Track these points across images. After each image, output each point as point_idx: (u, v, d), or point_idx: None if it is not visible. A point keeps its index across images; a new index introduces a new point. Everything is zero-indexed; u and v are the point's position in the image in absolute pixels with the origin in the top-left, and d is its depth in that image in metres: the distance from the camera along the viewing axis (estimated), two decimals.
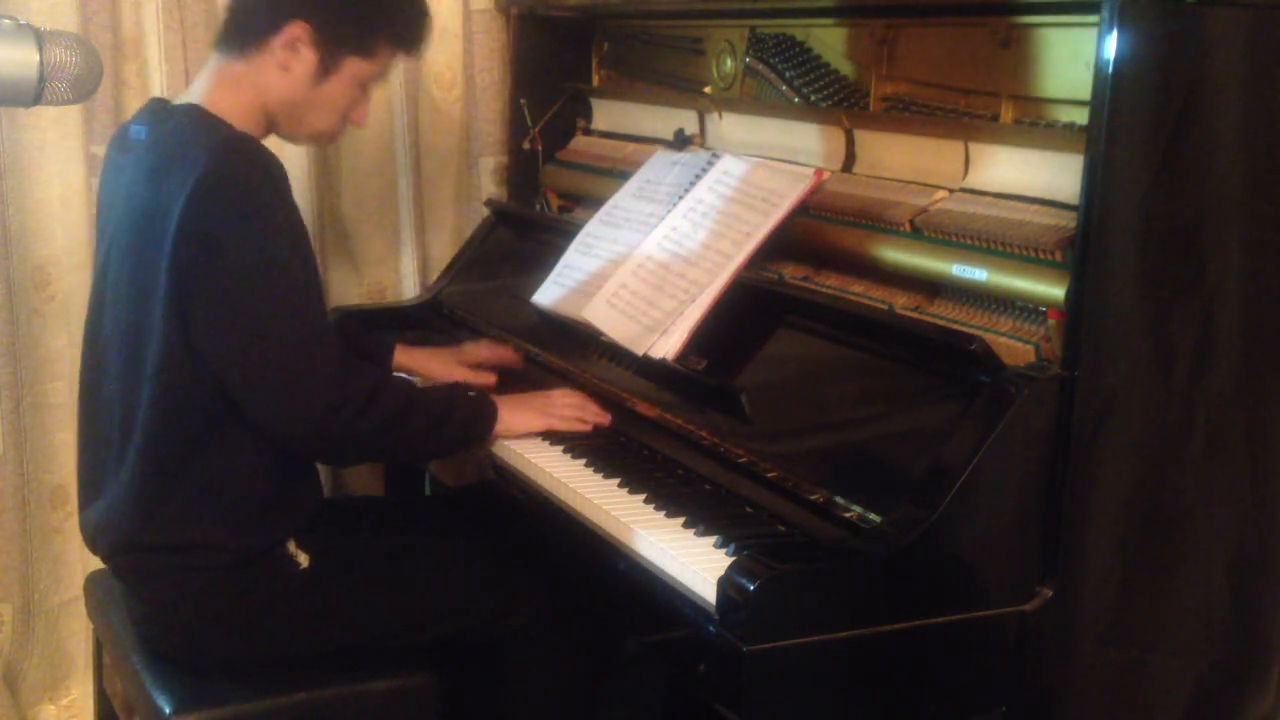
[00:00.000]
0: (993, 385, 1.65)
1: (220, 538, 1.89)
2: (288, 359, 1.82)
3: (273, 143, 2.69)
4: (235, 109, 1.92)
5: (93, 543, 2.02)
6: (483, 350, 2.42)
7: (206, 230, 1.78)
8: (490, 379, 2.33)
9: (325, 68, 1.95)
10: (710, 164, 2.26)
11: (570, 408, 2.11)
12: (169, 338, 1.83)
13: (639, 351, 2.08)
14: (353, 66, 1.97)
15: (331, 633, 1.97)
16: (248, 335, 1.81)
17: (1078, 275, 1.63)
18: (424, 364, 2.39)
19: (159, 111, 1.97)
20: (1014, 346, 1.77)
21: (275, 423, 1.85)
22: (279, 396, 1.83)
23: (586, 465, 1.99)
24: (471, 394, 2.10)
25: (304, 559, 1.96)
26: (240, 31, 1.94)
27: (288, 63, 1.92)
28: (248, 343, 1.81)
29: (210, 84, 1.96)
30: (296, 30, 1.91)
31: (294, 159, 2.72)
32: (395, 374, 2.35)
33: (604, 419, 2.11)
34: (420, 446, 2.05)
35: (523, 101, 2.89)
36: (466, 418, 2.02)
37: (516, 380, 2.37)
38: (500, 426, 2.05)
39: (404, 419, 1.91)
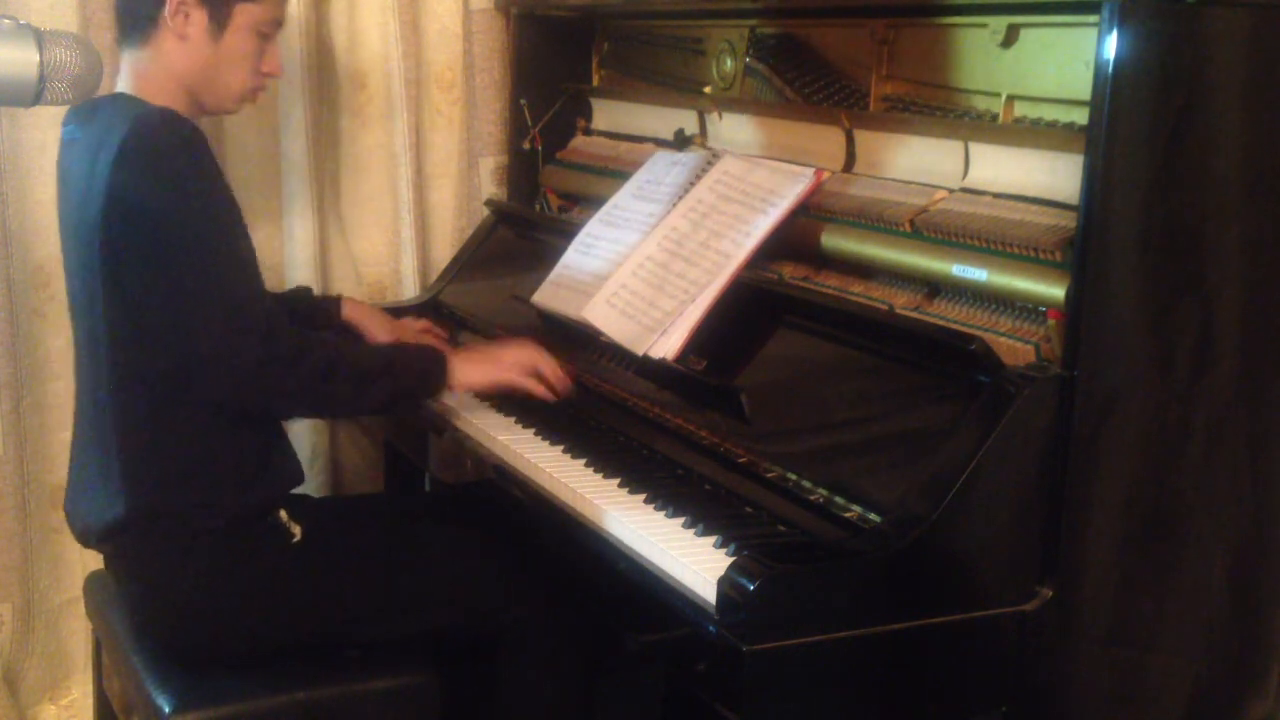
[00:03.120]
0: (993, 385, 1.65)
1: (205, 500, 1.91)
2: (209, 318, 1.84)
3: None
4: (156, 93, 1.97)
5: (84, 532, 2.04)
6: (422, 335, 2.48)
7: (126, 195, 1.82)
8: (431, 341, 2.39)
9: (218, 23, 1.98)
10: (710, 164, 2.26)
11: (527, 356, 2.11)
12: (112, 310, 1.87)
13: (639, 351, 2.08)
14: (244, 14, 2.00)
15: (327, 613, 1.97)
16: (170, 295, 1.84)
17: (1078, 275, 1.63)
18: (368, 321, 2.44)
19: (85, 109, 2.00)
20: (1014, 346, 1.77)
21: (205, 379, 1.87)
22: (204, 355, 1.85)
23: (586, 465, 1.99)
24: (417, 348, 2.10)
25: (297, 530, 1.99)
26: (131, 20, 1.98)
27: (182, 30, 1.96)
28: (171, 303, 1.84)
29: (126, 78, 2.00)
30: None
31: (295, 159, 2.73)
32: (330, 335, 2.39)
33: (563, 379, 2.12)
34: (360, 401, 2.02)
35: (523, 101, 2.89)
36: (412, 372, 2.03)
37: None
38: (453, 379, 2.05)
39: (334, 374, 1.93)
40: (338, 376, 1.93)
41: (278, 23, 2.08)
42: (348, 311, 2.45)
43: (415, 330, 2.50)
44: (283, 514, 1.99)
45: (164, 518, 1.92)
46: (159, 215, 1.83)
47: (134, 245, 1.84)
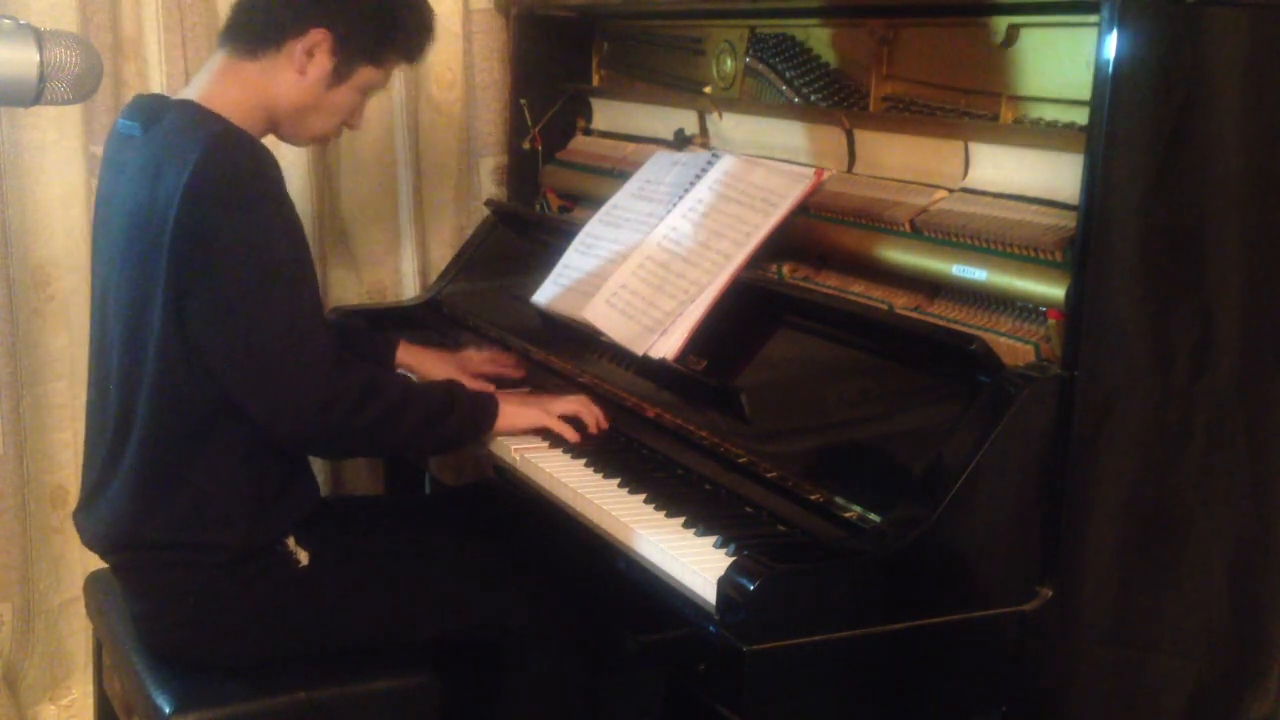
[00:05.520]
0: (993, 385, 1.65)
1: (218, 536, 1.89)
2: (280, 353, 1.82)
3: (271, 142, 2.70)
4: (237, 106, 1.93)
5: (92, 541, 2.02)
6: (484, 362, 2.42)
7: (200, 226, 1.79)
8: (489, 388, 2.29)
9: (339, 75, 1.97)
10: (710, 164, 2.26)
11: (573, 407, 2.11)
12: (167, 336, 1.83)
13: (639, 351, 2.08)
14: (363, 74, 2.00)
15: (331, 632, 1.97)
16: (241, 330, 1.81)
17: (1078, 275, 1.63)
18: (425, 364, 2.39)
19: (152, 108, 1.97)
20: (1014, 346, 1.77)
21: (270, 418, 1.85)
22: (273, 391, 1.83)
23: (587, 465, 1.99)
24: (471, 390, 2.10)
25: (303, 556, 1.97)
26: (255, 32, 1.95)
27: (304, 67, 1.94)
28: (240, 338, 1.82)
29: (213, 80, 1.96)
30: (318, 37, 1.93)
31: (294, 159, 2.73)
32: (393, 372, 2.35)
33: (604, 423, 2.11)
34: (417, 442, 2.06)
35: (523, 101, 2.89)
36: (466, 413, 2.03)
37: (517, 385, 2.38)
38: (501, 422, 2.06)
39: (399, 415, 1.92)
40: (402, 422, 1.92)
41: (383, 86, 2.09)
42: (402, 357, 2.40)
43: (480, 361, 2.42)
44: (290, 541, 1.97)
45: (173, 548, 1.90)
46: (233, 245, 1.79)
47: (204, 274, 1.80)
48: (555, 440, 2.08)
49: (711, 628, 1.53)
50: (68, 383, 2.56)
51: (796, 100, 2.30)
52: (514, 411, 2.07)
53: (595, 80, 2.92)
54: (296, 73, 1.94)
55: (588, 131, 2.91)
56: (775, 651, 1.50)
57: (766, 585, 1.48)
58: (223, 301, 1.81)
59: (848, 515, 1.69)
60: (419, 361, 2.40)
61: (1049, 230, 1.77)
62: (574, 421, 2.09)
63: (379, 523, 2.24)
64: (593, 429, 2.09)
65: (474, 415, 2.04)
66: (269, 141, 1.98)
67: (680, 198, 2.24)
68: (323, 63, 1.95)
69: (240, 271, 1.80)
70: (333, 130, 2.06)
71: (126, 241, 1.89)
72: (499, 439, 2.09)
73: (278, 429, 1.87)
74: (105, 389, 1.98)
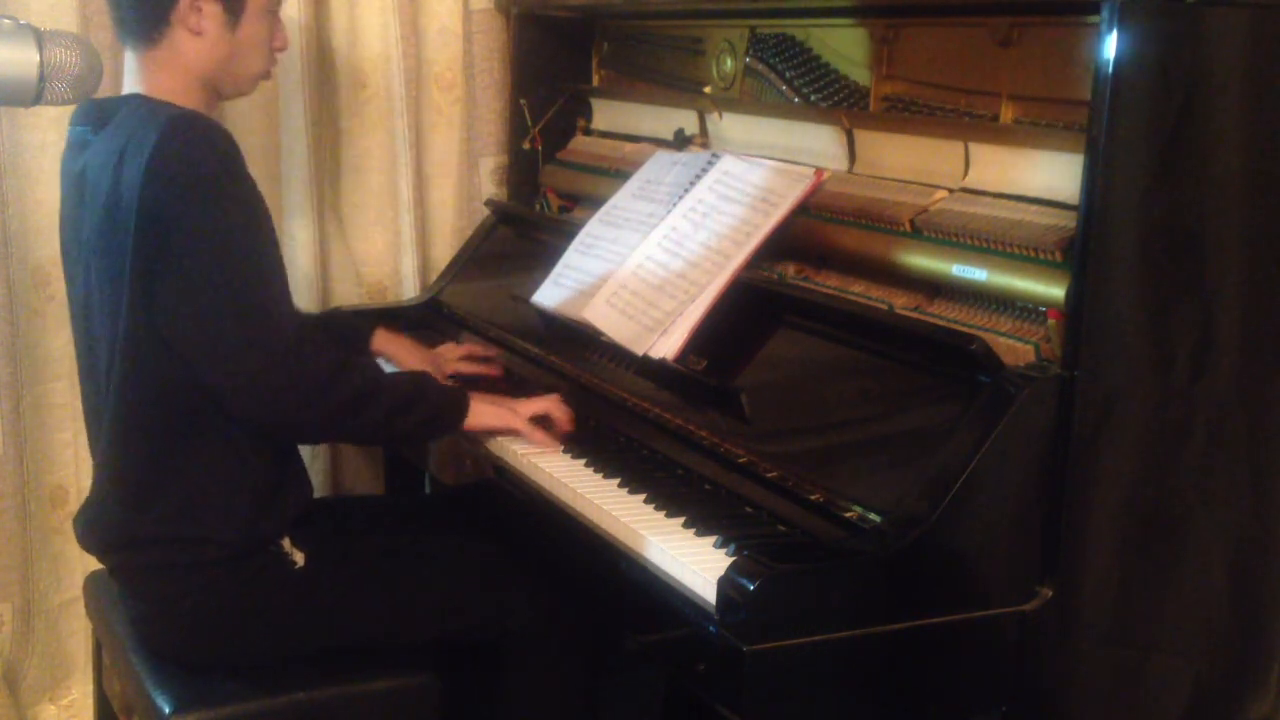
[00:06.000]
0: (993, 385, 1.65)
1: (211, 531, 1.89)
2: (234, 331, 1.80)
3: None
4: (173, 90, 1.93)
5: (85, 540, 2.02)
6: (459, 360, 2.43)
7: (159, 211, 1.78)
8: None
9: (234, 12, 1.95)
10: (710, 164, 2.26)
11: (543, 408, 2.10)
12: (138, 328, 1.82)
13: (639, 351, 2.08)
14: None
15: (331, 632, 1.97)
16: (201, 313, 1.80)
17: (1078, 275, 1.63)
18: (400, 353, 2.40)
19: (100, 108, 1.95)
20: (1014, 346, 1.77)
21: (229, 397, 1.84)
22: (230, 370, 1.81)
23: (587, 465, 1.99)
24: (442, 385, 2.08)
25: (299, 557, 1.96)
26: (137, 20, 1.93)
27: (198, 26, 1.92)
28: (201, 321, 1.80)
29: (140, 77, 1.95)
30: None
31: (295, 159, 2.73)
32: (364, 358, 2.35)
33: (572, 424, 2.10)
34: (382, 432, 2.03)
35: (523, 101, 2.89)
36: (433, 408, 2.01)
37: (505, 382, 2.38)
38: (471, 420, 2.04)
39: (365, 403, 1.90)
40: (365, 411, 1.90)
41: None
42: (378, 343, 2.40)
43: (455, 358, 2.44)
44: (285, 542, 1.96)
45: (166, 543, 1.90)
46: (190, 228, 1.78)
47: (166, 258, 1.79)
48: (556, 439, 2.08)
49: (711, 628, 1.53)
50: (68, 383, 2.56)
51: (796, 100, 2.30)
52: (483, 409, 2.06)
53: (595, 80, 2.92)
54: (195, 35, 1.92)
55: (588, 131, 2.91)
56: (775, 651, 1.50)
57: (766, 585, 1.48)
58: (183, 286, 1.79)
59: (848, 515, 1.69)
60: (395, 349, 2.40)
61: (1049, 230, 1.77)
62: (543, 421, 2.09)
63: (378, 523, 2.24)
64: (563, 428, 2.09)
65: (441, 411, 2.03)
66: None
67: (680, 198, 2.24)
68: (211, 12, 1.92)
69: (199, 255, 1.79)
70: (266, 64, 2.04)
71: (100, 238, 1.88)
72: (497, 441, 2.09)
73: (238, 409, 1.85)
74: (93, 390, 1.98)
